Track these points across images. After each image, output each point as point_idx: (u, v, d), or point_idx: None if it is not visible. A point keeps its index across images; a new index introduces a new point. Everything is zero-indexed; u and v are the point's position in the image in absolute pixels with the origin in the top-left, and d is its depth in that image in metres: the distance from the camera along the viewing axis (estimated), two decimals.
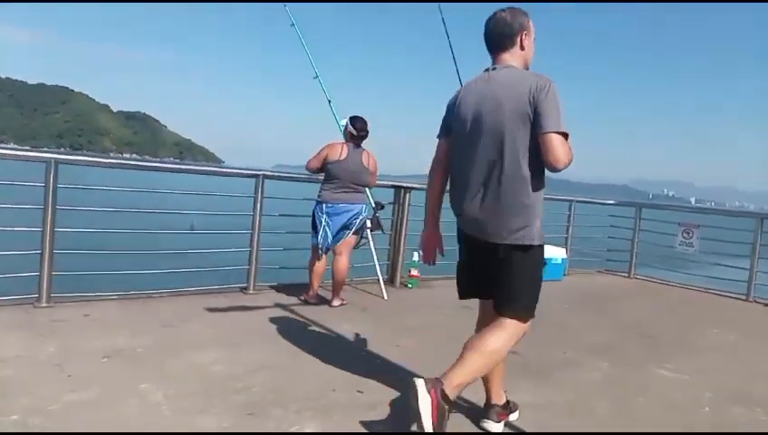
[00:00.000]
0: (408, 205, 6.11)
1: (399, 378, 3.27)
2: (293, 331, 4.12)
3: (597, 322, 5.36)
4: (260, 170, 5.17)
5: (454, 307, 5.36)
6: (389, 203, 6.01)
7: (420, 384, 2.27)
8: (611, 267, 8.49)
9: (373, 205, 5.34)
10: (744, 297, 7.00)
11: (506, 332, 2.47)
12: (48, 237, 4.10)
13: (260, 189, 5.07)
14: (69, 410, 2.53)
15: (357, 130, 4.88)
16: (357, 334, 4.07)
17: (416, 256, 6.14)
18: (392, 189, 6.17)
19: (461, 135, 2.50)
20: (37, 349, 3.26)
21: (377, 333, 4.23)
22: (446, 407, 2.26)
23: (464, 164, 2.47)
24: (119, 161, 4.88)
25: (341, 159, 4.78)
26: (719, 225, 7.77)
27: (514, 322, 2.48)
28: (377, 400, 2.93)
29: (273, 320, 4.37)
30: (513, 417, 2.82)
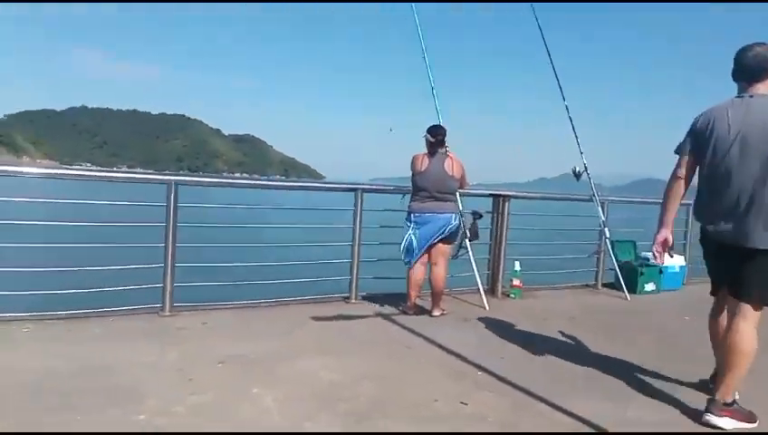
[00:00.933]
0: (508, 213, 5.97)
1: (504, 391, 3.19)
2: (396, 340, 4.14)
3: None
4: (359, 184, 5.29)
5: (557, 318, 5.20)
6: (487, 212, 5.90)
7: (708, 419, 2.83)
8: None
9: (470, 212, 5.28)
10: None
11: (749, 319, 2.85)
12: (170, 252, 4.44)
13: (359, 202, 5.18)
14: (190, 412, 2.71)
15: (432, 136, 4.85)
16: (459, 346, 4.01)
17: (517, 266, 5.97)
18: (490, 198, 6.05)
19: (720, 154, 2.82)
20: (162, 355, 3.53)
21: (480, 344, 4.14)
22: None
23: (720, 179, 2.83)
24: (229, 181, 5.23)
25: (423, 169, 4.80)
26: None
27: (750, 307, 2.85)
28: (481, 412, 2.86)
29: (375, 329, 4.43)
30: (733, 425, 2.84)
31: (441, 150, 4.86)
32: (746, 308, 2.85)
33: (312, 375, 3.30)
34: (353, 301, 5.23)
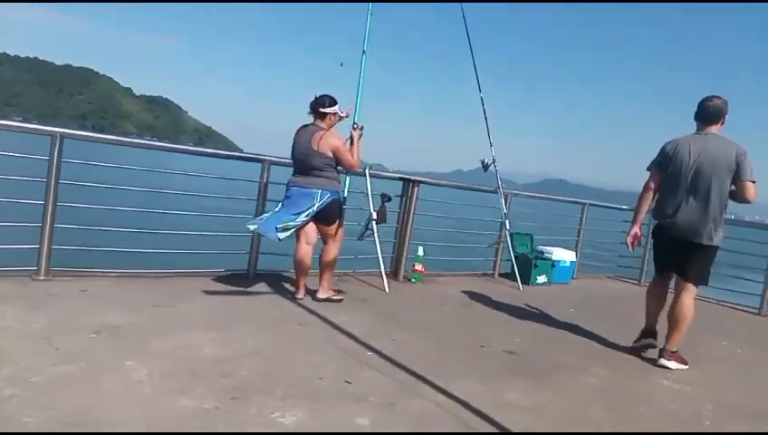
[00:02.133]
0: (416, 199, 6.03)
1: (390, 372, 3.21)
2: (288, 318, 4.07)
3: (601, 327, 5.22)
4: (266, 156, 5.12)
5: (455, 304, 5.34)
6: (397, 196, 5.93)
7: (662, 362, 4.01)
8: (622, 274, 8.33)
9: (379, 195, 5.27)
10: (756, 311, 6.82)
11: (690, 293, 4.02)
12: (50, 211, 4.09)
13: (265, 175, 5.02)
14: (50, 383, 2.50)
15: (310, 106, 4.54)
16: (353, 326, 4.00)
17: (420, 251, 6.06)
18: (401, 182, 6.08)
19: (678, 173, 3.93)
20: (29, 321, 3.24)
21: (374, 325, 4.16)
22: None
23: (680, 191, 3.92)
24: (117, 138, 4.84)
25: (294, 140, 4.53)
26: (736, 236, 7.56)
27: (692, 285, 4.02)
28: (364, 392, 2.86)
29: (268, 306, 4.33)
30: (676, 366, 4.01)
31: (319, 123, 4.50)
32: (689, 286, 4.01)
33: (194, 350, 3.16)
34: (250, 277, 5.08)
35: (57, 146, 4.07)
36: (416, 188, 6.03)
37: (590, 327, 5.10)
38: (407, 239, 6.07)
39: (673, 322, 4.02)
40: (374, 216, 5.24)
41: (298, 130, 4.53)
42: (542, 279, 6.79)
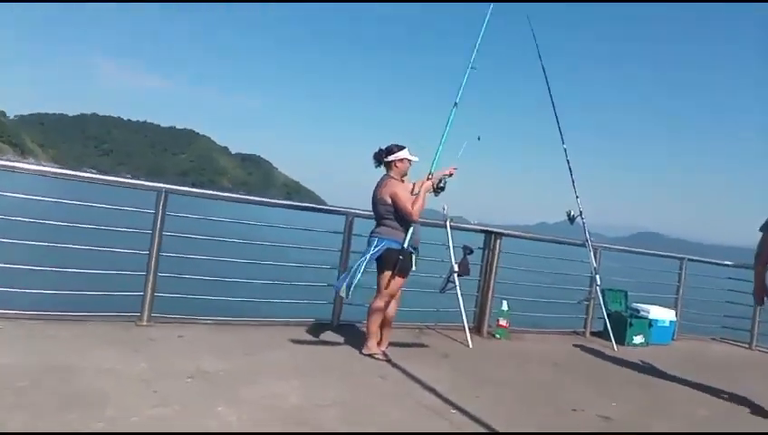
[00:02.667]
0: (499, 251, 5.92)
1: (474, 431, 3.10)
2: (371, 370, 4.06)
3: (708, 393, 4.78)
4: (350, 208, 5.26)
5: (543, 363, 5.10)
6: (479, 248, 5.86)
7: None
8: (729, 335, 7.62)
9: (461, 247, 5.24)
10: None
11: None
12: (153, 260, 4.40)
13: (348, 226, 5.15)
14: (148, 424, 2.63)
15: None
16: (435, 381, 3.92)
17: (505, 305, 5.89)
18: (482, 234, 6.02)
19: None
20: (131, 364, 3.46)
21: (456, 381, 4.06)
22: None
23: None
24: (215, 193, 5.17)
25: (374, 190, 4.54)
26: None
27: None
28: None
29: (351, 357, 4.35)
30: None
31: (391, 173, 4.48)
32: None
33: (280, 397, 3.22)
34: (334, 327, 5.15)
35: (162, 200, 4.41)
36: (498, 241, 5.94)
37: (694, 394, 4.69)
38: (490, 293, 5.94)
39: None
40: (456, 268, 5.20)
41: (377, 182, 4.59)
42: (638, 339, 6.36)
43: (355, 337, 4.91)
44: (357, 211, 5.19)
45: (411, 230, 4.38)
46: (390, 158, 4.49)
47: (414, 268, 4.50)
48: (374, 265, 4.42)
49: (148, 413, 2.74)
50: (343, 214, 5.24)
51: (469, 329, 5.42)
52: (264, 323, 4.97)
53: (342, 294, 4.40)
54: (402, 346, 4.82)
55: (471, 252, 5.42)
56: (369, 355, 4.38)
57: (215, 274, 5.20)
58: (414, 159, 4.53)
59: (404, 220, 4.37)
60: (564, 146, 6.17)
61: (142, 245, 4.47)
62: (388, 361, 4.30)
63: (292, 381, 3.53)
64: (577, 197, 6.13)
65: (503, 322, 5.87)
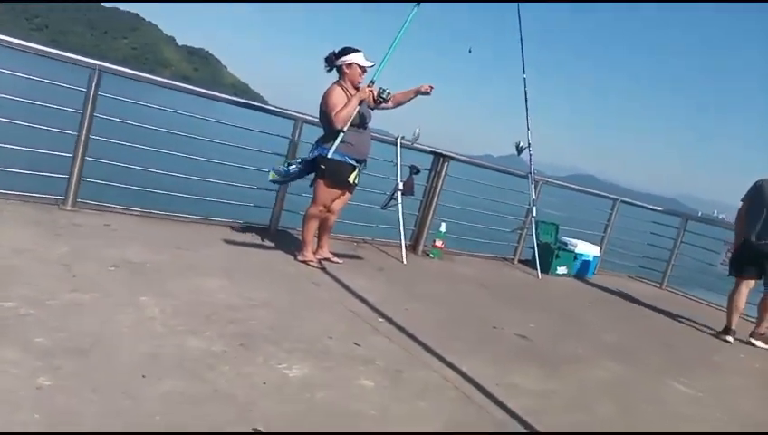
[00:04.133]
0: (445, 174, 5.93)
1: (400, 340, 3.20)
2: (304, 277, 4.07)
3: (617, 324, 5.15)
4: (299, 113, 5.06)
5: (471, 284, 5.29)
6: (426, 169, 5.85)
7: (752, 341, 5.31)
8: (644, 275, 8.15)
9: (408, 166, 5.21)
10: None
11: None
12: (82, 142, 4.12)
13: (297, 133, 4.98)
14: (65, 308, 2.54)
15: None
16: (367, 292, 3.98)
17: (443, 227, 5.99)
18: (431, 156, 5.98)
19: (762, 203, 5.22)
20: (50, 247, 3.29)
21: (388, 293, 4.14)
22: None
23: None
24: (157, 78, 4.79)
25: None
26: None
27: None
28: (372, 356, 2.85)
29: (285, 262, 4.33)
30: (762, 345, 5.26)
31: (340, 79, 4.27)
32: None
33: (208, 294, 3.18)
34: (271, 232, 5.09)
35: (95, 78, 4.07)
36: (446, 164, 5.93)
37: (606, 323, 5.02)
38: (430, 214, 6.00)
39: (762, 314, 5.30)
40: (400, 186, 5.18)
41: None
42: (562, 270, 6.68)
43: (291, 244, 4.87)
44: (306, 116, 4.99)
45: (339, 138, 4.09)
46: (338, 61, 4.23)
47: (354, 182, 4.34)
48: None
49: (66, 297, 2.64)
50: (291, 118, 5.04)
51: (406, 246, 5.50)
52: (198, 221, 4.83)
53: (270, 177, 4.31)
54: (339, 257, 4.84)
55: (417, 172, 5.40)
56: (304, 262, 4.37)
57: (148, 165, 4.93)
58: (366, 64, 4.26)
59: (331, 127, 4.15)
60: (525, 75, 6.09)
61: (71, 126, 4.17)
62: (323, 269, 4.32)
63: (221, 280, 3.48)
64: (528, 128, 6.15)
65: (439, 243, 5.99)
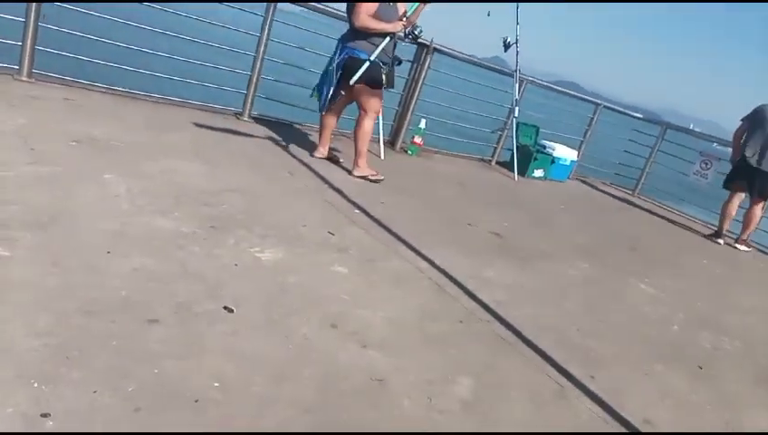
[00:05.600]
0: (428, 67, 5.68)
1: (373, 231, 3.17)
2: (278, 164, 3.94)
3: (588, 226, 5.23)
4: None
5: (448, 182, 5.25)
6: (408, 61, 5.57)
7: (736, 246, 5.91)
8: (618, 182, 8.24)
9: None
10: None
11: (761, 205, 5.75)
12: (33, 6, 3.74)
13: (270, 13, 4.62)
14: (21, 181, 2.40)
15: None
16: (343, 184, 3.90)
17: (423, 124, 5.83)
18: (414, 46, 5.68)
19: (761, 126, 5.55)
20: (5, 118, 3.07)
21: (364, 186, 4.07)
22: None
23: (763, 139, 5.51)
24: None
25: None
26: None
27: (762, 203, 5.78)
28: (346, 245, 2.82)
29: (259, 149, 4.19)
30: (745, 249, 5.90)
31: None
32: (758, 200, 5.70)
33: (179, 176, 3.05)
34: (245, 118, 4.88)
35: None
36: (429, 57, 5.66)
37: (577, 225, 5.10)
38: (410, 110, 5.81)
39: (747, 221, 5.81)
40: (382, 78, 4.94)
41: None
42: (538, 173, 6.67)
43: (267, 132, 4.70)
44: None
45: (384, 43, 3.94)
46: None
47: (388, 84, 4.23)
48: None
49: (23, 169, 2.49)
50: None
51: (384, 142, 5.37)
52: (169, 103, 4.58)
53: (321, 107, 4.17)
54: (317, 148, 4.69)
55: (399, 63, 5.12)
56: (362, 177, 4.18)
57: (114, 38, 4.55)
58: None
59: (352, 20, 3.91)
60: None
61: None
62: (302, 161, 4.17)
63: (194, 164, 3.34)
64: (518, 23, 5.85)
65: (417, 139, 5.86)
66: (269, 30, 4.69)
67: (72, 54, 4.23)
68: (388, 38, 4.00)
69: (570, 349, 2.45)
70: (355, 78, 3.93)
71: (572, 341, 2.57)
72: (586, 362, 2.37)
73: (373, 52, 3.97)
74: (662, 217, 6.78)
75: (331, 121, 4.39)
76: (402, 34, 4.15)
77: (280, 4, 4.69)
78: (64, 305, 1.70)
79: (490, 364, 2.15)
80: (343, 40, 4.07)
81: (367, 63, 3.94)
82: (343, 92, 4.13)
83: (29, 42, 3.83)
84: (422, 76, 5.70)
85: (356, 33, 3.99)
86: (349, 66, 3.98)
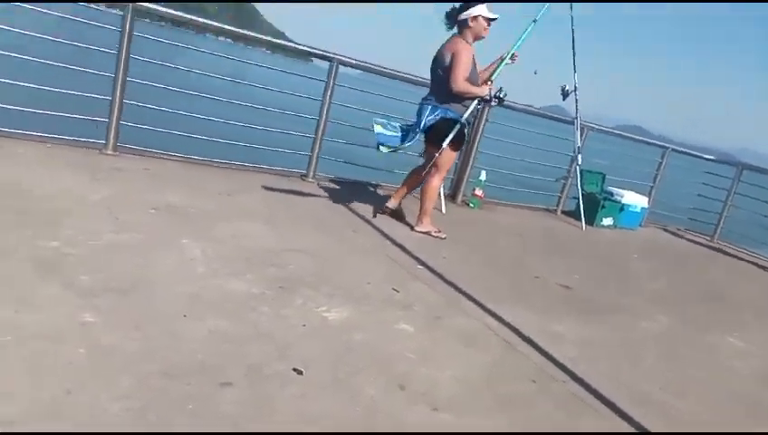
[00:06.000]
0: (486, 120, 5.72)
1: (438, 287, 3.14)
2: (342, 223, 4.02)
3: (665, 276, 4.97)
4: (336, 54, 4.91)
5: (512, 234, 5.17)
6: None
7: None
8: (694, 227, 7.83)
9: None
10: None
11: None
12: (119, 84, 4.10)
13: (332, 75, 4.85)
14: (106, 249, 2.56)
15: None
16: (406, 239, 3.92)
17: (483, 176, 5.83)
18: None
19: None
20: (92, 190, 3.32)
21: (427, 241, 4.07)
22: None
23: None
24: (191, 17, 4.69)
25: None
26: None
27: None
28: (410, 302, 2.81)
29: (324, 209, 4.30)
30: None
31: (461, 33, 4.03)
32: None
33: (249, 238, 3.18)
34: (309, 179, 5.05)
35: (129, 18, 4.00)
36: (487, 109, 5.71)
37: (653, 274, 4.86)
38: (470, 162, 5.84)
39: None
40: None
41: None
42: (607, 221, 6.46)
43: (330, 191, 4.83)
44: (342, 57, 4.85)
45: (474, 104, 4.11)
46: (463, 15, 3.98)
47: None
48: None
49: (108, 238, 2.67)
50: (329, 59, 4.89)
51: (444, 196, 5.39)
52: (236, 168, 4.82)
53: (383, 149, 4.08)
54: (380, 205, 4.77)
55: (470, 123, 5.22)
56: (426, 233, 4.21)
57: (185, 108, 4.90)
58: (492, 15, 4.02)
59: (449, 85, 3.95)
60: (572, 13, 5.74)
61: (109, 68, 4.14)
62: (373, 218, 4.23)
63: (262, 225, 3.47)
64: (575, 71, 5.84)
65: (478, 192, 5.84)
66: (331, 94, 4.90)
67: (150, 127, 4.57)
68: (476, 100, 4.12)
69: (651, 408, 2.30)
70: (448, 140, 4.02)
71: (653, 399, 2.41)
72: (669, 423, 2.22)
73: (464, 113, 4.08)
74: (745, 264, 6.36)
75: (414, 179, 4.38)
76: (488, 97, 4.20)
77: (341, 68, 4.91)
78: (145, 369, 1.77)
79: (567, 426, 2.04)
80: (432, 100, 4.10)
81: (458, 125, 4.05)
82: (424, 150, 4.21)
83: (115, 118, 4.17)
84: (481, 128, 5.75)
85: (448, 95, 4.04)
86: (438, 127, 4.06)
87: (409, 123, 4.25)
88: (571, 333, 2.94)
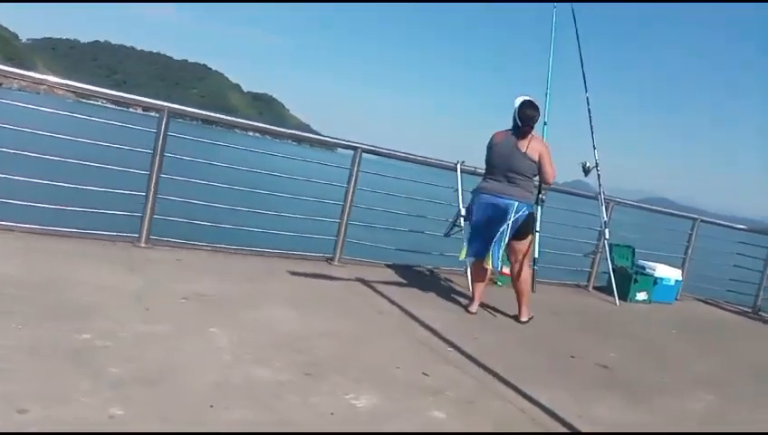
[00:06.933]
0: None
1: (470, 370, 3.06)
2: (369, 305, 4.01)
3: (707, 352, 4.74)
4: (359, 144, 5.10)
5: (544, 312, 5.04)
6: None
7: None
8: (732, 299, 7.54)
9: (470, 192, 5.10)
10: None
11: None
12: (153, 181, 4.29)
13: (356, 162, 5.01)
14: (137, 339, 2.58)
15: (521, 121, 4.12)
16: (434, 320, 3.86)
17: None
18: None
19: None
20: (125, 282, 3.40)
21: (455, 322, 4.00)
22: None
23: None
24: (220, 116, 4.98)
25: (497, 142, 4.23)
26: None
27: None
28: (442, 386, 2.73)
29: (350, 292, 4.29)
30: None
31: (524, 128, 4.18)
32: None
33: (275, 324, 3.18)
34: (335, 263, 5.09)
35: (165, 120, 4.25)
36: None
37: (694, 351, 4.65)
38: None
39: None
40: (463, 212, 5.07)
41: (496, 134, 4.29)
42: (641, 296, 6.28)
43: (356, 274, 4.84)
44: (365, 146, 5.04)
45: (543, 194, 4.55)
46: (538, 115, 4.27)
47: None
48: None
49: (138, 329, 2.69)
50: (352, 148, 5.08)
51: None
52: (264, 254, 4.90)
53: (494, 267, 4.26)
54: (405, 286, 4.76)
55: None
56: (530, 318, 4.39)
57: (215, 200, 5.08)
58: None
59: (538, 181, 4.31)
60: (587, 94, 5.93)
61: (143, 166, 4.36)
62: (391, 301, 4.23)
63: (288, 311, 3.48)
64: (594, 147, 5.93)
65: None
66: (356, 180, 5.04)
67: (181, 219, 4.73)
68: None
69: None
70: (537, 233, 4.44)
71: None
72: None
73: (527, 202, 4.23)
74: None
75: (485, 275, 4.40)
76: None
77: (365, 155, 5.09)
78: None
79: None
80: (514, 197, 4.13)
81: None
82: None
83: (148, 213, 4.33)
84: None
85: (529, 189, 4.22)
86: (527, 222, 4.19)
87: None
88: (612, 415, 2.80)
